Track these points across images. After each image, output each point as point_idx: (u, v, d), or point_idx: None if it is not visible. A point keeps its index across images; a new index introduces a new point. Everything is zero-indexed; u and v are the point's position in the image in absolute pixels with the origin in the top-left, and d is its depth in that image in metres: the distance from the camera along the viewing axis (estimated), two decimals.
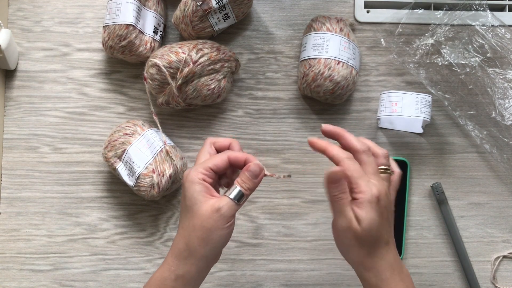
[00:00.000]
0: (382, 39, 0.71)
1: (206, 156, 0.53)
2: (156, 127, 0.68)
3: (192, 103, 0.68)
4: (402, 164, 0.69)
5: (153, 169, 0.63)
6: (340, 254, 0.51)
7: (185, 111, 0.71)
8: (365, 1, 0.72)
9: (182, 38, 0.72)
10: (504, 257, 0.70)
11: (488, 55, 0.69)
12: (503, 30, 0.70)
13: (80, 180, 0.71)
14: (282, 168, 0.71)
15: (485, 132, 0.70)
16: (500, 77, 0.69)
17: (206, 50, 0.65)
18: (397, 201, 0.69)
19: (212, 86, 0.66)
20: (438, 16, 0.71)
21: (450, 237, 0.70)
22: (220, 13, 0.66)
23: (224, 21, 0.67)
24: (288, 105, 0.72)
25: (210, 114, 0.71)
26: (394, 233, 0.69)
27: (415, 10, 0.71)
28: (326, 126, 0.54)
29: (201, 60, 0.64)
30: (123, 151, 0.65)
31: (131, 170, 0.64)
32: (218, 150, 0.55)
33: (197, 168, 0.51)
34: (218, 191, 0.53)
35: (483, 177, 0.71)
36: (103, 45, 0.67)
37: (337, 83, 0.66)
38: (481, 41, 0.69)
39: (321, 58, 0.66)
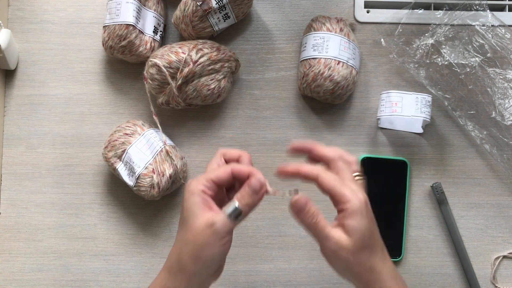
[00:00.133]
0: (382, 39, 0.71)
1: (214, 167, 0.51)
2: (156, 127, 0.68)
3: (192, 103, 0.68)
4: (402, 164, 0.69)
5: (153, 169, 0.63)
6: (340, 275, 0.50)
7: (185, 111, 0.71)
8: (365, 1, 0.72)
9: (182, 38, 0.72)
10: (504, 257, 0.70)
11: (488, 55, 0.69)
12: (503, 30, 0.70)
13: (80, 180, 0.71)
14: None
15: (485, 132, 0.70)
16: (500, 77, 0.69)
17: (206, 50, 0.65)
18: (397, 201, 0.69)
19: (212, 86, 0.66)
20: (438, 16, 0.71)
21: (450, 237, 0.70)
22: (220, 13, 0.66)
23: (224, 21, 0.67)
24: (288, 105, 0.72)
25: (210, 114, 0.71)
26: (394, 233, 0.69)
27: (415, 10, 0.71)
28: (294, 143, 0.53)
29: (201, 60, 0.64)
30: (123, 151, 0.65)
31: (131, 170, 0.64)
32: (228, 162, 0.52)
33: (199, 179, 0.49)
34: (222, 205, 0.49)
35: (483, 177, 0.71)
36: (103, 45, 0.67)
37: (337, 83, 0.66)
38: (481, 41, 0.69)
39: (321, 58, 0.66)
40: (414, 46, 0.70)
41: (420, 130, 0.68)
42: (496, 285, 0.70)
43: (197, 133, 0.71)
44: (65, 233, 0.70)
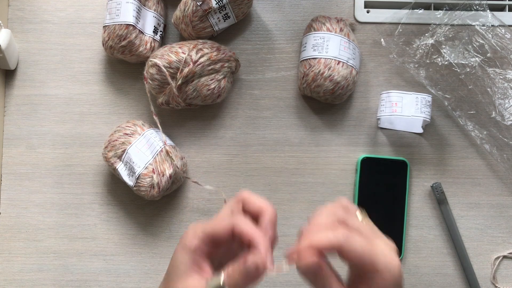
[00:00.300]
0: (382, 39, 0.71)
1: (224, 215, 0.42)
2: (156, 127, 0.68)
3: (192, 103, 0.68)
4: (402, 164, 0.69)
5: (153, 169, 0.63)
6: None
7: (185, 111, 0.71)
8: (365, 1, 0.72)
9: (182, 38, 0.72)
10: (504, 257, 0.70)
11: (488, 55, 0.69)
12: (503, 30, 0.70)
13: (80, 180, 0.71)
14: (282, 168, 0.70)
15: (485, 132, 0.70)
16: (500, 77, 0.69)
17: (206, 50, 0.65)
18: (397, 201, 0.69)
19: (212, 86, 0.66)
20: (438, 16, 0.71)
21: (450, 237, 0.70)
22: (220, 13, 0.66)
23: (224, 21, 0.67)
24: (288, 105, 0.72)
25: (210, 114, 0.71)
26: (394, 233, 0.69)
27: (415, 10, 0.71)
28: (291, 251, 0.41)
29: (201, 60, 0.64)
30: (123, 151, 0.65)
31: (131, 170, 0.64)
32: (246, 212, 0.43)
33: (197, 230, 0.41)
34: (230, 259, 0.42)
35: (483, 177, 0.71)
36: (103, 45, 0.67)
37: (337, 83, 0.66)
38: (481, 41, 0.69)
39: (321, 58, 0.66)
40: (414, 46, 0.70)
41: (420, 130, 0.68)
42: (496, 285, 0.70)
43: (197, 133, 0.71)
44: (65, 233, 0.70)
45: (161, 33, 0.70)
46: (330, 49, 0.66)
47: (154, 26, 0.68)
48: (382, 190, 0.69)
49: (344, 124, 0.71)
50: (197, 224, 0.42)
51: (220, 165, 0.71)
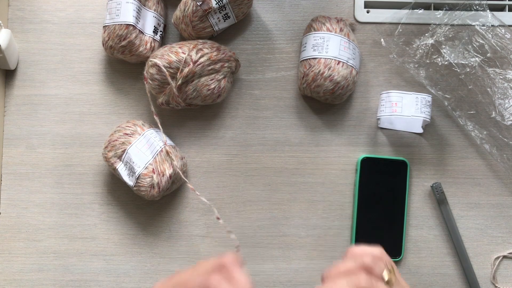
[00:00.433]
0: (382, 39, 0.71)
1: (200, 273, 0.40)
2: (156, 127, 0.68)
3: (192, 103, 0.68)
4: (402, 164, 0.69)
5: (153, 169, 0.63)
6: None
7: (185, 111, 0.71)
8: (365, 1, 0.72)
9: (182, 38, 0.72)
10: (504, 257, 0.70)
11: (488, 55, 0.69)
12: (503, 30, 0.70)
13: (80, 180, 0.71)
14: (282, 168, 0.71)
15: (485, 132, 0.70)
16: (500, 77, 0.69)
17: (206, 50, 0.65)
18: (397, 201, 0.69)
19: (212, 86, 0.66)
20: (438, 16, 0.71)
21: (450, 237, 0.70)
22: (220, 13, 0.66)
23: (224, 21, 0.67)
24: (288, 105, 0.72)
25: (210, 114, 0.71)
26: (394, 233, 0.69)
27: (415, 10, 0.71)
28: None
29: (201, 60, 0.64)
30: (123, 151, 0.65)
31: (131, 170, 0.64)
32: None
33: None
34: None
35: (483, 177, 0.71)
36: (103, 45, 0.67)
37: (337, 83, 0.66)
38: (481, 41, 0.69)
39: (321, 58, 0.66)
40: (414, 46, 0.70)
41: (420, 130, 0.68)
42: (496, 285, 0.70)
43: (197, 133, 0.71)
44: (65, 233, 0.70)
45: (161, 33, 0.70)
46: (330, 49, 0.66)
47: (154, 26, 0.68)
48: (382, 190, 0.69)
49: (344, 124, 0.71)
50: (163, 280, 0.40)
51: (220, 165, 0.71)
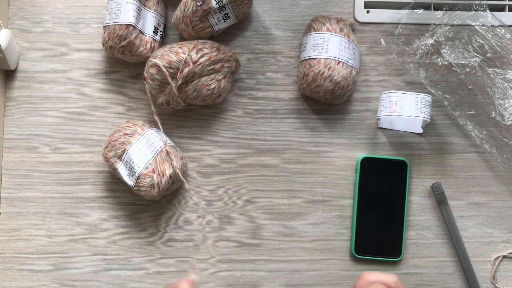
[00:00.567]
0: (382, 39, 0.71)
1: None
2: (156, 127, 0.68)
3: (192, 103, 0.68)
4: (402, 164, 0.69)
5: (153, 169, 0.63)
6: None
7: (185, 111, 0.71)
8: (365, 1, 0.72)
9: (182, 38, 0.72)
10: (504, 257, 0.70)
11: (488, 55, 0.69)
12: (503, 30, 0.70)
13: (80, 180, 0.71)
14: (282, 168, 0.71)
15: (485, 132, 0.70)
16: (500, 77, 0.69)
17: (206, 50, 0.65)
18: (397, 201, 0.69)
19: (212, 86, 0.66)
20: (438, 16, 0.71)
21: (450, 237, 0.70)
22: (220, 13, 0.66)
23: (224, 21, 0.67)
24: (288, 105, 0.72)
25: (210, 114, 0.72)
26: (394, 233, 0.69)
27: (415, 10, 0.71)
28: None
29: (201, 60, 0.64)
30: (123, 151, 0.65)
31: (131, 170, 0.64)
32: None
33: None
34: None
35: (483, 177, 0.71)
36: (103, 45, 0.67)
37: (337, 83, 0.66)
38: (481, 41, 0.69)
39: (321, 58, 0.66)
40: (414, 46, 0.70)
41: (420, 130, 0.68)
42: (496, 285, 0.70)
43: (197, 133, 0.71)
44: (65, 233, 0.70)
45: (161, 33, 0.70)
46: (330, 49, 0.66)
47: (154, 26, 0.68)
48: (382, 190, 0.69)
49: (344, 124, 0.71)
50: None
51: (220, 165, 0.71)
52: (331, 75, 0.65)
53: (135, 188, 0.64)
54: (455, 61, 0.69)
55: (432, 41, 0.70)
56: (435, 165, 0.71)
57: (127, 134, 0.65)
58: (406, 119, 0.67)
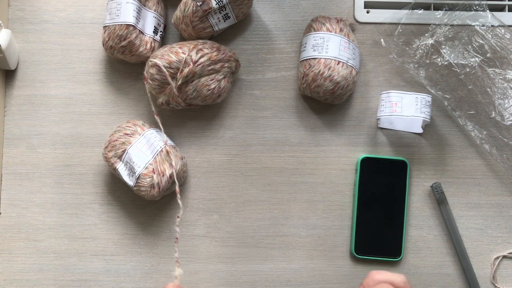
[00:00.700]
0: (382, 39, 0.71)
1: None
2: (157, 127, 0.68)
3: (192, 103, 0.68)
4: (402, 164, 0.69)
5: (153, 169, 0.64)
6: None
7: (185, 111, 0.71)
8: (365, 1, 0.73)
9: (182, 38, 0.72)
10: (504, 257, 0.70)
11: (488, 55, 0.69)
12: (503, 30, 0.70)
13: (80, 180, 0.71)
14: (282, 168, 0.71)
15: (485, 132, 0.70)
16: (500, 77, 0.69)
17: (206, 50, 0.65)
18: (396, 201, 0.69)
19: (212, 86, 0.66)
20: (438, 16, 0.71)
21: (450, 237, 0.70)
22: (220, 13, 0.66)
23: (224, 21, 0.67)
24: (288, 105, 0.72)
25: (210, 114, 0.72)
26: (394, 233, 0.70)
27: (415, 10, 0.71)
28: None
29: (201, 60, 0.64)
30: (123, 151, 0.65)
31: (131, 170, 0.64)
32: None
33: None
34: None
35: (483, 177, 0.71)
36: (103, 45, 0.67)
37: (337, 83, 0.66)
38: (480, 41, 0.69)
39: (321, 58, 0.66)
40: (414, 46, 0.70)
41: (420, 130, 0.68)
42: (496, 285, 0.70)
43: (197, 133, 0.71)
44: (65, 233, 0.70)
45: (161, 33, 0.70)
46: (330, 49, 0.66)
47: (154, 26, 0.68)
48: (382, 190, 0.69)
49: (344, 124, 0.71)
50: None
51: (220, 165, 0.71)
52: (331, 75, 0.65)
53: (135, 188, 0.64)
54: (455, 61, 0.69)
55: (432, 41, 0.70)
56: (435, 165, 0.71)
57: (127, 134, 0.65)
58: (406, 119, 0.67)
